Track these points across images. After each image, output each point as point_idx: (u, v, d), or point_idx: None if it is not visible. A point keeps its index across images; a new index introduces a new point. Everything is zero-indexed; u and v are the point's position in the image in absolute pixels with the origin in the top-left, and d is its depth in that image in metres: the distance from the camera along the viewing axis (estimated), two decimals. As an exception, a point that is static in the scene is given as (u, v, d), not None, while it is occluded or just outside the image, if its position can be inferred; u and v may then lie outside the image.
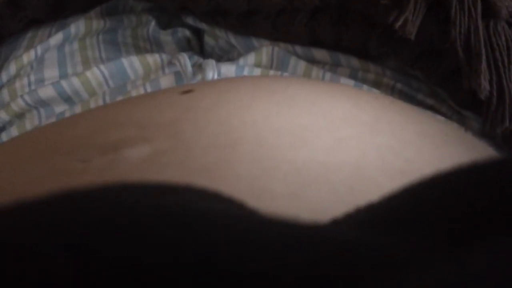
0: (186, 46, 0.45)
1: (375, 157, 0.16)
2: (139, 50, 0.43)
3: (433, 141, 0.19)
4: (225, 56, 0.45)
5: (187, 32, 0.45)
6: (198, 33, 0.46)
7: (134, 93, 0.35)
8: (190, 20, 0.44)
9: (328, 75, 0.36)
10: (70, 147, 0.18)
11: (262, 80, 0.21)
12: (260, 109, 0.18)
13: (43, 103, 0.38)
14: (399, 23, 0.32)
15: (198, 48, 0.46)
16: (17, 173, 0.19)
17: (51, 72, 0.40)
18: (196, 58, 0.39)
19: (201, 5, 0.41)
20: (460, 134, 0.24)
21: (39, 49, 0.41)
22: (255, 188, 0.15)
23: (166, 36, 0.45)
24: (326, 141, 0.16)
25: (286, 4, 0.39)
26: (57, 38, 0.41)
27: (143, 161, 0.17)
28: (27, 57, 0.40)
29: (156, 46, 0.45)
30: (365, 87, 0.35)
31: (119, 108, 0.20)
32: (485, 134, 0.35)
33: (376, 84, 0.37)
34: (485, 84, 0.32)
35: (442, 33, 0.34)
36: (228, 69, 0.36)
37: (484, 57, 0.32)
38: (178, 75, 0.36)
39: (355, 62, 0.38)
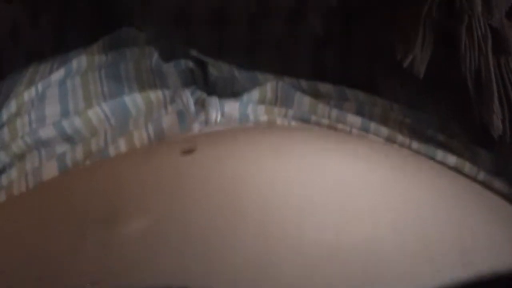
0: (189, 77, 0.45)
1: (389, 232, 0.15)
2: (142, 83, 0.42)
3: (452, 211, 0.18)
4: (229, 86, 0.44)
5: (190, 63, 0.44)
6: (201, 64, 0.46)
7: (136, 135, 0.34)
8: (193, 52, 0.44)
9: (334, 112, 0.35)
10: (66, 217, 0.17)
11: (267, 137, 0.20)
12: (266, 175, 0.17)
13: (44, 143, 0.37)
14: (407, 61, 0.31)
15: (201, 78, 0.46)
16: (13, 242, 0.18)
17: (52, 109, 0.39)
18: (199, 93, 0.39)
19: (203, 37, 0.41)
20: (481, 197, 0.23)
21: (40, 86, 0.40)
22: (260, 269, 0.14)
23: (169, 68, 0.44)
24: (336, 218, 0.15)
25: (290, 35, 0.38)
26: (58, 74, 0.41)
27: (141, 235, 0.16)
28: (28, 94, 0.40)
29: (159, 77, 0.44)
30: (372, 124, 0.34)
31: (115, 170, 0.19)
32: (498, 172, 0.34)
33: (384, 119, 0.36)
34: (498, 123, 0.31)
35: (451, 67, 0.33)
36: (232, 108, 0.35)
37: (496, 94, 0.31)
38: (180, 114, 0.35)
39: (361, 95, 0.37)
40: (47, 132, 0.37)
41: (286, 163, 0.17)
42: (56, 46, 0.43)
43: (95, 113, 0.37)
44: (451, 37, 0.33)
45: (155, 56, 0.44)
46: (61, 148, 0.37)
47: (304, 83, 0.38)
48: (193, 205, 0.16)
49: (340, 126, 0.34)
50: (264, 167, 0.17)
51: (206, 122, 0.33)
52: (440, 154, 0.34)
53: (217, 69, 0.44)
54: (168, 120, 0.35)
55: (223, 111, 0.34)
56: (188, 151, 0.19)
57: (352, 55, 0.37)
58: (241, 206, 0.16)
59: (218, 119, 0.33)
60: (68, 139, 0.37)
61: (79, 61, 0.42)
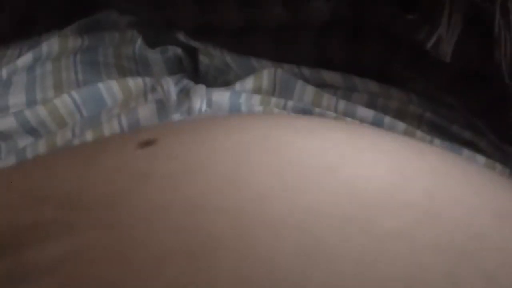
0: (177, 66, 0.39)
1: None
2: (122, 71, 0.37)
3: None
4: (221, 77, 0.39)
5: (179, 50, 0.39)
6: (191, 51, 0.40)
7: (106, 127, 0.29)
8: (181, 37, 0.39)
9: (342, 104, 0.30)
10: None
11: (249, 136, 0.15)
12: (241, 187, 0.12)
13: (4, 136, 0.32)
14: (431, 42, 0.26)
15: (191, 68, 0.40)
16: None
17: (16, 99, 0.34)
18: (185, 82, 0.33)
19: (188, 20, 0.35)
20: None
21: (4, 72, 0.35)
22: None
23: (154, 55, 0.39)
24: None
25: (288, 18, 0.33)
26: (25, 59, 0.35)
27: (53, 264, 0.11)
28: (-10, 81, 0.34)
29: (142, 66, 0.39)
30: (387, 118, 0.29)
31: (48, 169, 0.14)
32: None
33: (400, 114, 0.31)
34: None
35: (483, 54, 0.28)
36: (221, 97, 0.30)
37: (537, 83, 0.26)
38: (160, 104, 0.30)
39: (373, 86, 0.32)
40: (6, 122, 0.31)
41: (270, 160, 0.12)
42: (22, 29, 0.38)
43: (63, 102, 0.32)
44: (481, 18, 0.28)
45: (139, 41, 0.39)
46: (23, 142, 0.32)
47: (306, 71, 0.33)
48: (137, 225, 0.11)
49: (348, 120, 0.29)
50: (240, 170, 0.12)
51: (189, 111, 0.27)
52: (466, 152, 0.28)
53: (208, 56, 0.39)
54: (145, 111, 0.29)
55: (210, 100, 0.29)
56: (146, 144, 0.14)
57: (364, 40, 0.31)
58: (207, 231, 0.11)
59: (203, 108, 0.27)
60: (31, 131, 0.32)
61: (50, 44, 0.36)
